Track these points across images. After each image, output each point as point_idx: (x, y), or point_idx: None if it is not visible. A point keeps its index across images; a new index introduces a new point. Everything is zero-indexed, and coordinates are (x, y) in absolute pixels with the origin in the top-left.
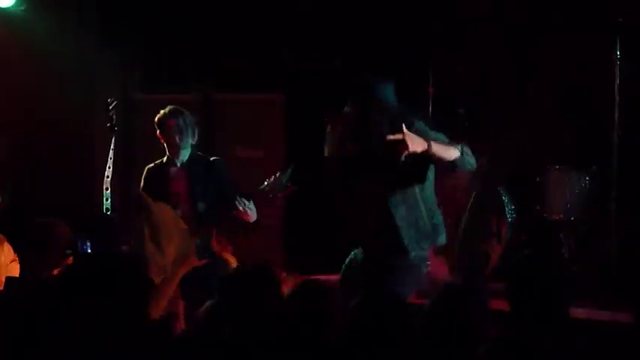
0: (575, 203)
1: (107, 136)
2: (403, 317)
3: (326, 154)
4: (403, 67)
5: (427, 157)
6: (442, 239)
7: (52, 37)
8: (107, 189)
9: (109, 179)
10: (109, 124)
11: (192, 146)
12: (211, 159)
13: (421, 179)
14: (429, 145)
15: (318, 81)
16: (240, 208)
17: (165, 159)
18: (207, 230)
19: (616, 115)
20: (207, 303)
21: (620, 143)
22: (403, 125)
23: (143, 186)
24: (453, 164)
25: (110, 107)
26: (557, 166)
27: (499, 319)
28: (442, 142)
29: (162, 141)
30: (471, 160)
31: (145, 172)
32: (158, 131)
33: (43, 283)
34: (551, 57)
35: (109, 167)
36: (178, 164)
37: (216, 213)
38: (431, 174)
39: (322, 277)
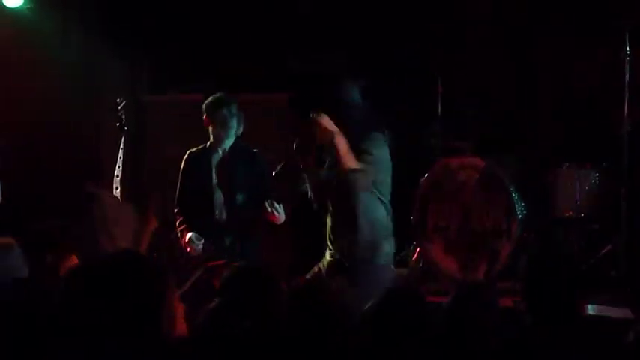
0: (585, 201)
1: (115, 137)
2: (423, 315)
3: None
4: (410, 68)
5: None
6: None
7: (59, 38)
8: (117, 188)
9: (118, 179)
10: (118, 124)
11: (237, 136)
12: (254, 150)
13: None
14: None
15: (322, 82)
16: (269, 209)
17: (208, 144)
18: (241, 226)
19: (625, 112)
20: (211, 304)
21: (630, 140)
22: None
23: (183, 169)
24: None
25: (119, 107)
26: (567, 164)
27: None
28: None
29: (207, 128)
30: (364, 184)
31: (186, 156)
32: (204, 117)
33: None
34: (560, 55)
35: (119, 167)
36: (220, 152)
37: (252, 208)
38: (387, 177)
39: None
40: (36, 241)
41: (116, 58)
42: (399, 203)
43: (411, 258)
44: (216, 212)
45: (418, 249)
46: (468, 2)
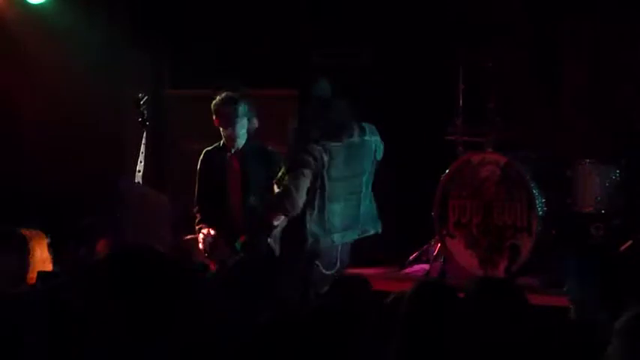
0: (606, 196)
1: (137, 132)
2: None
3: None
4: (431, 63)
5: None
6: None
7: (81, 34)
8: (139, 184)
9: (140, 174)
10: (140, 120)
11: (250, 134)
12: (269, 149)
13: None
14: None
15: (346, 76)
16: None
17: (221, 143)
18: (255, 227)
19: None
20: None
21: None
22: None
23: (200, 168)
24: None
25: (141, 102)
26: (587, 160)
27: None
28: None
29: (216, 124)
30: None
31: (202, 155)
32: (214, 117)
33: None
34: (580, 50)
35: (141, 162)
36: (233, 152)
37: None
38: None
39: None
40: (67, 235)
41: (138, 54)
42: (420, 199)
43: (432, 254)
44: (232, 212)
45: (439, 245)
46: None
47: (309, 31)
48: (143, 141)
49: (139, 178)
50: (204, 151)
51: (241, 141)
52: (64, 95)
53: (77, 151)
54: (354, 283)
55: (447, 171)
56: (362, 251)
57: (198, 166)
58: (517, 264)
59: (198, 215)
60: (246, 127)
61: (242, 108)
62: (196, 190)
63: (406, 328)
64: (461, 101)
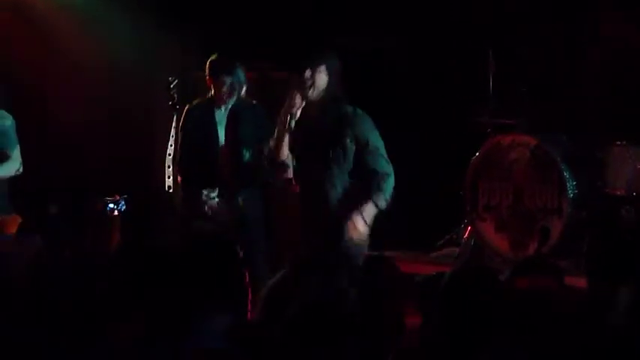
0: (637, 179)
1: (168, 115)
2: (496, 292)
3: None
4: (461, 46)
5: None
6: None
7: (110, 18)
8: (169, 167)
9: (171, 157)
10: (170, 103)
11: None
12: (254, 102)
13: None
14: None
15: (373, 60)
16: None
17: (209, 98)
18: (249, 182)
19: None
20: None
21: None
22: None
23: (183, 126)
24: None
25: (171, 86)
26: (619, 142)
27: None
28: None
29: (209, 84)
30: (385, 198)
31: (184, 112)
32: (207, 74)
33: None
34: (613, 30)
35: (171, 145)
36: (223, 109)
37: (259, 164)
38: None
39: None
40: (90, 219)
41: (167, 37)
42: (450, 182)
43: (462, 237)
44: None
45: (469, 228)
46: None
47: (337, 15)
48: (174, 124)
49: (169, 161)
50: (186, 108)
51: (232, 101)
52: (94, 80)
53: (109, 136)
54: (381, 263)
55: (477, 154)
56: (390, 234)
57: (182, 123)
58: (547, 246)
59: (179, 176)
60: (238, 93)
61: (238, 76)
62: (180, 149)
63: (445, 309)
64: (491, 83)
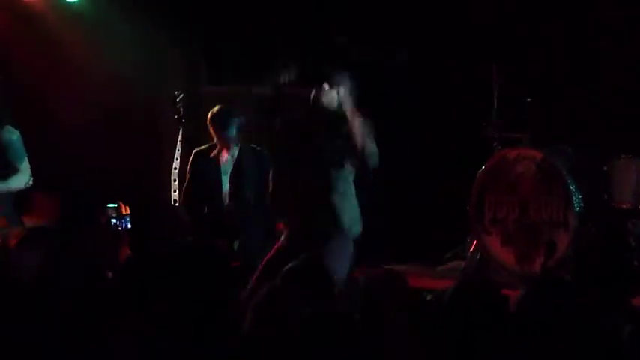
0: None
1: (174, 129)
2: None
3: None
4: (466, 59)
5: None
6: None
7: (118, 31)
8: (175, 180)
9: (176, 171)
10: (176, 117)
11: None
12: (258, 149)
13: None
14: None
15: (384, 74)
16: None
17: (213, 144)
18: (250, 225)
19: None
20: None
21: None
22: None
23: (191, 167)
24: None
25: (177, 100)
26: (624, 155)
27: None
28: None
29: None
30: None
31: (193, 155)
32: (210, 128)
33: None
34: (619, 43)
35: (177, 159)
36: (228, 155)
37: (262, 207)
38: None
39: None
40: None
41: (175, 51)
42: (456, 195)
43: (468, 250)
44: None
45: (475, 241)
46: None
47: (344, 29)
48: (179, 138)
49: (175, 175)
50: (194, 152)
51: (235, 149)
52: (100, 93)
53: (114, 149)
54: (389, 278)
55: (483, 167)
56: (396, 248)
57: (190, 165)
58: (554, 260)
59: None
60: (237, 141)
61: (234, 127)
62: (185, 189)
63: (449, 324)
64: (496, 98)
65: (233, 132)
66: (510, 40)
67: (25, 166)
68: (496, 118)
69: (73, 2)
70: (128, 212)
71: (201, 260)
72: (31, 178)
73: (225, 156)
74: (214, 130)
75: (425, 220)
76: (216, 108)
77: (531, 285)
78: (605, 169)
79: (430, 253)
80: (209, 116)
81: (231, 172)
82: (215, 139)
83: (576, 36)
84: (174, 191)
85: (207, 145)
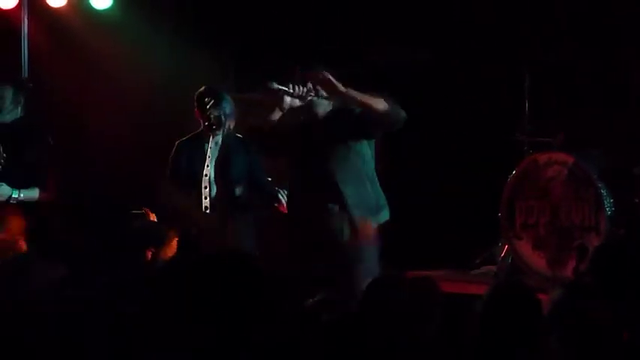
0: None
1: (205, 135)
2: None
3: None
4: (496, 64)
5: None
6: (385, 216)
7: (147, 39)
8: (206, 187)
9: (207, 178)
10: (206, 123)
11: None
12: (245, 140)
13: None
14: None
15: (408, 76)
16: (283, 201)
17: (199, 132)
18: (242, 216)
19: None
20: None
21: None
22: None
23: (173, 160)
24: (382, 114)
25: (207, 106)
26: None
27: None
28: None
29: (198, 117)
30: (399, 110)
31: (175, 147)
32: (195, 106)
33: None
34: None
35: (207, 166)
36: (212, 144)
37: (250, 198)
38: (369, 150)
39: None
40: (134, 238)
41: (203, 58)
42: (487, 200)
43: (500, 255)
44: (206, 205)
45: (506, 246)
46: None
47: (368, 34)
48: (210, 144)
49: (205, 182)
50: (177, 144)
51: (220, 136)
52: (129, 99)
53: (142, 157)
54: (424, 284)
55: (514, 172)
56: (425, 253)
57: (172, 157)
58: (585, 264)
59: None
60: (227, 125)
61: (225, 108)
62: (167, 183)
63: (484, 329)
64: (527, 101)
65: (219, 112)
66: (541, 43)
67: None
68: (527, 122)
69: (102, 9)
70: (154, 219)
71: (233, 270)
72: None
73: (209, 142)
74: (198, 108)
75: (454, 224)
76: (203, 87)
77: (564, 289)
78: (636, 172)
79: (459, 259)
80: (195, 94)
81: (216, 160)
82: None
83: (606, 39)
84: (205, 198)
85: (189, 135)
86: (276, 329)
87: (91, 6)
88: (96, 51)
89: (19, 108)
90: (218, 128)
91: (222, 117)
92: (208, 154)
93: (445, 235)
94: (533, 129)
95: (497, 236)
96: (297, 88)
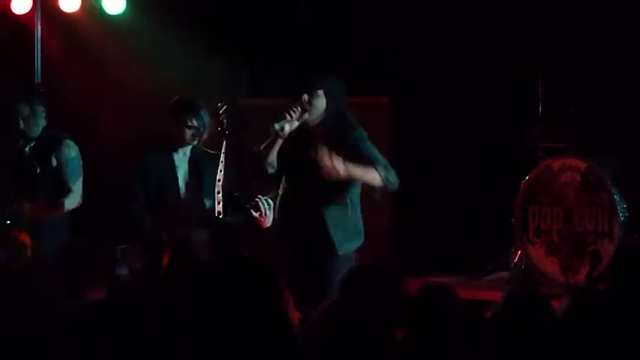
0: None
1: (215, 140)
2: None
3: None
4: (509, 70)
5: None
6: (359, 242)
7: (159, 43)
8: (219, 192)
9: (220, 183)
10: (219, 129)
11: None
12: (212, 152)
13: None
14: (347, 169)
15: (423, 83)
16: (262, 209)
17: (167, 143)
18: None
19: None
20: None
21: None
22: (325, 149)
23: (144, 172)
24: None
25: (220, 112)
26: None
27: None
28: (362, 166)
29: (172, 129)
30: (393, 180)
31: (145, 159)
32: (170, 115)
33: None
34: None
35: (221, 171)
36: (181, 154)
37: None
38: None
39: (437, 279)
40: (153, 243)
41: (217, 63)
42: (500, 205)
43: (512, 261)
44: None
45: (520, 251)
46: (567, 2)
47: (381, 39)
48: (223, 150)
49: (219, 187)
50: (145, 153)
51: (190, 147)
52: (142, 105)
53: None
54: (442, 292)
55: (527, 178)
56: (438, 259)
57: (142, 171)
58: (598, 270)
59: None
60: (201, 136)
61: (201, 118)
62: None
63: (500, 337)
64: (540, 106)
65: (198, 122)
66: (555, 49)
67: (78, 187)
68: (540, 128)
69: (115, 14)
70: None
71: (246, 274)
72: (82, 199)
73: (179, 153)
74: (176, 116)
75: (467, 230)
76: (176, 98)
77: (577, 295)
78: None
79: (471, 265)
80: (172, 102)
81: (185, 176)
82: (173, 133)
83: (621, 45)
84: (218, 203)
85: (157, 145)
86: (289, 336)
87: (104, 11)
88: (109, 56)
89: (42, 119)
90: (193, 139)
91: (202, 128)
92: (177, 164)
93: (457, 241)
94: (547, 135)
95: (508, 243)
96: (295, 113)
